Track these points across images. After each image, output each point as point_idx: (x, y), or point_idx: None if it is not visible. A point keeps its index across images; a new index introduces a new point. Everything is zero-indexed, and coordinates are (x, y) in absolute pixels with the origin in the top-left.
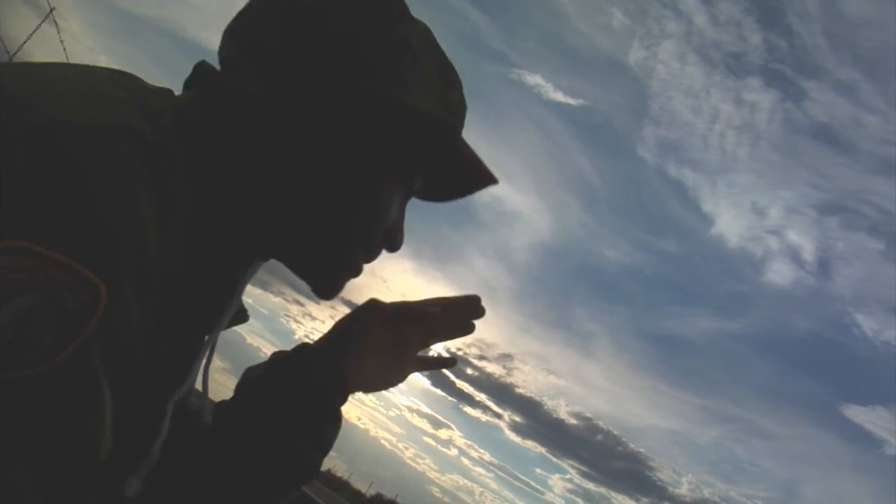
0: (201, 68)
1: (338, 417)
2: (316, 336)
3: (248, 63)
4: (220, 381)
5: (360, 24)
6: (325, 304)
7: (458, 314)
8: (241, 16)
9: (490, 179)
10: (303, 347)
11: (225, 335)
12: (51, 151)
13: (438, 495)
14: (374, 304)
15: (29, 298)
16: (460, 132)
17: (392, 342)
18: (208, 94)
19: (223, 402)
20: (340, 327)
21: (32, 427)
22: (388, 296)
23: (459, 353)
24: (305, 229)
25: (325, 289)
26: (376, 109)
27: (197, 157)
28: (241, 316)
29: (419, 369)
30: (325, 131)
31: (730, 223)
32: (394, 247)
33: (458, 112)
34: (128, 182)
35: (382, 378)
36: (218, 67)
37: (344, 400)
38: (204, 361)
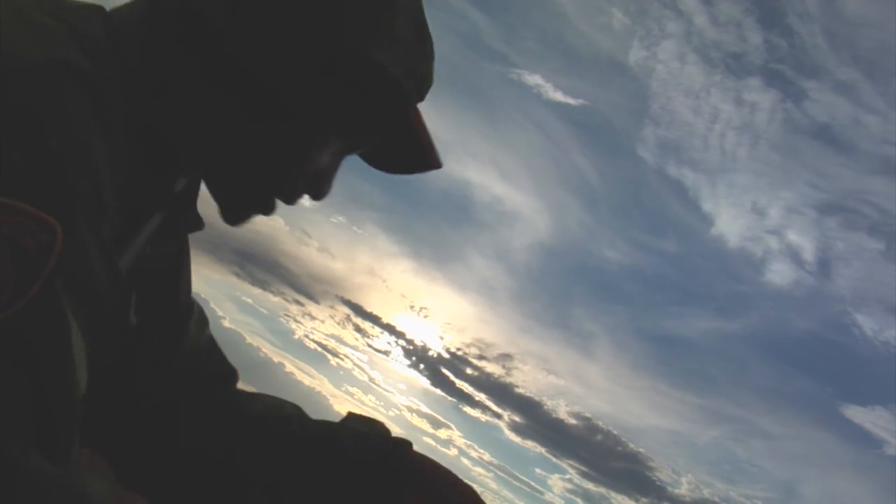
0: None
1: None
2: (315, 335)
3: None
4: None
5: None
6: (326, 304)
7: None
8: None
9: (435, 161)
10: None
11: (225, 334)
12: None
13: None
14: None
15: None
16: (415, 101)
17: None
18: (155, 4)
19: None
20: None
21: (7, 368)
22: (387, 294)
23: (459, 352)
24: (232, 154)
25: (234, 216)
26: (336, 56)
27: (136, 77)
28: (197, 223)
29: None
30: (274, 64)
31: (730, 223)
32: (316, 194)
33: (421, 82)
34: (74, 121)
35: None
36: None
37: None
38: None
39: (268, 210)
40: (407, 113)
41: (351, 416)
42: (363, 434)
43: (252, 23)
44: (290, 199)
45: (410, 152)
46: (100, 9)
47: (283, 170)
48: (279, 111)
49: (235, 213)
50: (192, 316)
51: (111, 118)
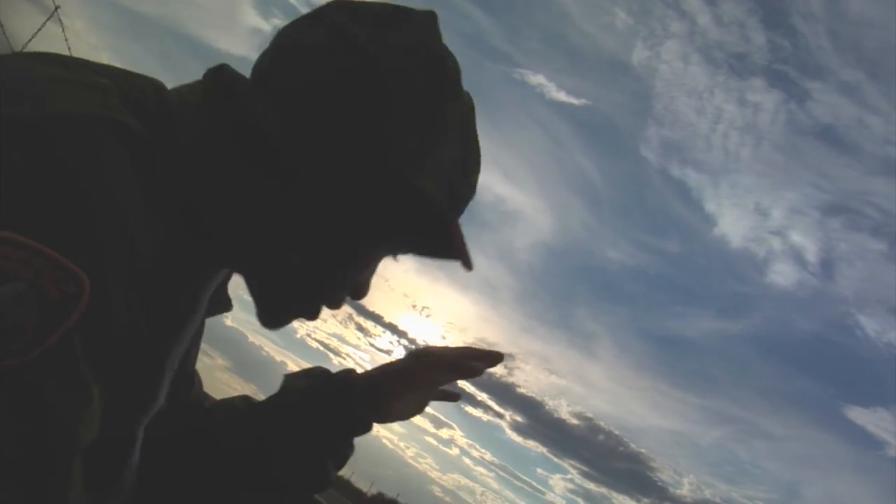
0: (224, 70)
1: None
2: (317, 335)
3: (272, 87)
4: (222, 380)
5: (400, 95)
6: None
7: (482, 363)
8: (293, 40)
9: (467, 265)
10: (349, 373)
11: (227, 333)
12: (36, 143)
13: (440, 495)
14: (424, 351)
15: (13, 287)
16: (456, 220)
17: (426, 382)
18: (216, 97)
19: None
20: (392, 367)
21: (13, 415)
22: (389, 294)
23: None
24: (279, 256)
25: (274, 321)
26: (382, 179)
27: (182, 153)
28: (224, 305)
29: (434, 399)
30: (324, 171)
31: (733, 224)
32: (357, 297)
33: (463, 199)
34: (112, 174)
35: (411, 410)
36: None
37: (368, 430)
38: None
39: (313, 316)
40: (446, 233)
41: (288, 376)
42: (306, 388)
43: (306, 136)
44: (337, 306)
45: (445, 253)
46: (157, 82)
47: (330, 281)
48: (326, 220)
49: (277, 319)
50: (194, 386)
51: (153, 179)
